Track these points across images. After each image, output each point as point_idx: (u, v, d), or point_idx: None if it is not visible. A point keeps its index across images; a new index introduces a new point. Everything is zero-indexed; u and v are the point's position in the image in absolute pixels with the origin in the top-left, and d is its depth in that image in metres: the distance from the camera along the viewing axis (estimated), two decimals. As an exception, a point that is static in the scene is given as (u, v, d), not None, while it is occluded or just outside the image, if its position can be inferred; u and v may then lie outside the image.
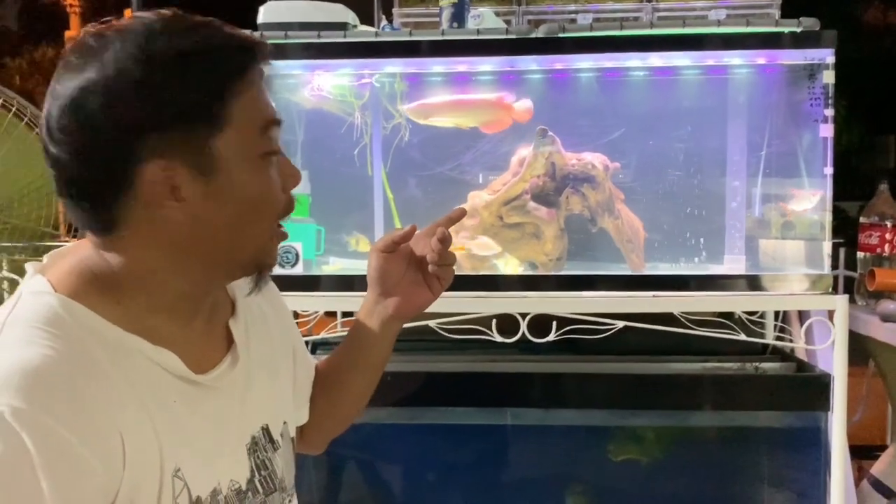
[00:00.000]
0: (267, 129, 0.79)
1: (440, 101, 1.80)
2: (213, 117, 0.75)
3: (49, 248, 1.92)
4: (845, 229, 2.02)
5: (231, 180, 0.77)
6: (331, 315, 1.88)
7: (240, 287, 0.92)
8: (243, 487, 0.85)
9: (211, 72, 0.75)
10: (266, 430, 0.91)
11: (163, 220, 0.76)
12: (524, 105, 1.79)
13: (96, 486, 0.70)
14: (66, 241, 1.93)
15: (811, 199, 1.70)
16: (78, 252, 0.81)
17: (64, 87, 0.74)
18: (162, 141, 0.74)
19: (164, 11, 0.77)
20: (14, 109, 1.79)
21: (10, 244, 1.83)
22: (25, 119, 1.81)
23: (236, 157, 0.77)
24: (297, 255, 1.74)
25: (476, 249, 1.77)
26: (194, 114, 0.74)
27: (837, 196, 1.69)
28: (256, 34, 1.69)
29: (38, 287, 0.77)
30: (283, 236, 0.85)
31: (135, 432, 0.74)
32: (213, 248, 0.80)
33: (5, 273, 1.85)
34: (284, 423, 0.95)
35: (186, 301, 0.83)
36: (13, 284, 1.87)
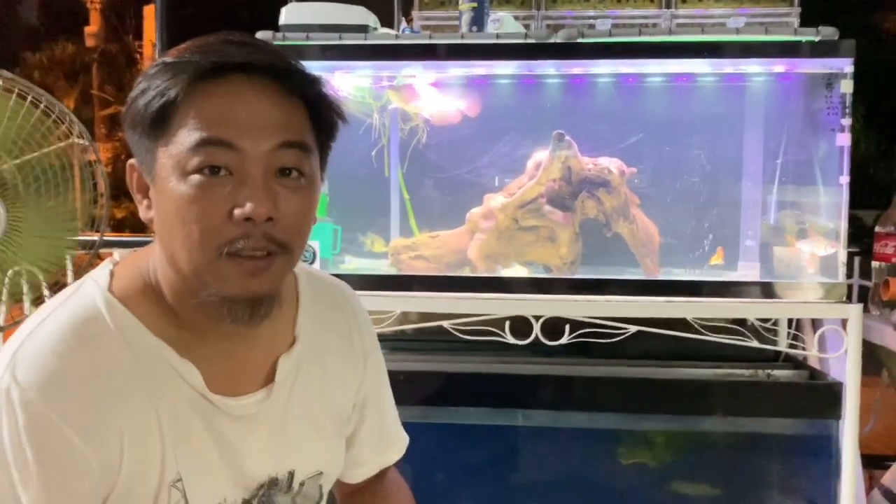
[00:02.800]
0: (201, 146, 0.75)
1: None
2: (158, 124, 0.77)
3: (72, 244, 1.95)
4: (861, 238, 2.02)
5: (162, 190, 0.78)
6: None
7: (312, 326, 0.92)
8: None
9: (166, 81, 0.76)
10: (290, 475, 0.91)
11: (149, 219, 0.81)
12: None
13: (91, 479, 0.76)
14: (88, 236, 1.96)
15: (827, 248, 1.70)
16: (147, 252, 0.85)
17: None
18: (135, 140, 0.79)
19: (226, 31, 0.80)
20: (42, 106, 1.82)
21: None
22: (53, 116, 1.84)
23: (169, 168, 0.76)
24: (314, 253, 1.76)
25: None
26: (145, 119, 0.77)
27: (853, 204, 1.69)
28: (278, 35, 1.73)
29: (99, 278, 0.83)
30: (236, 270, 0.77)
31: (137, 436, 0.78)
32: (168, 256, 0.80)
33: (26, 266, 1.88)
34: (320, 472, 0.94)
35: (200, 313, 0.81)
36: (31, 275, 1.89)
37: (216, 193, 0.75)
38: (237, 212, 0.75)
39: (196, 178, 0.75)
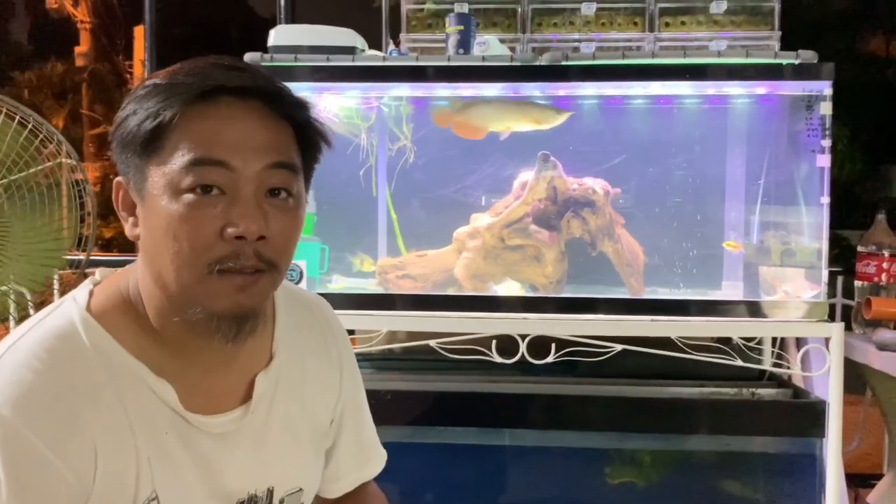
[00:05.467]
0: (195, 165, 0.76)
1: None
2: (151, 144, 0.78)
3: (59, 263, 1.95)
4: (846, 258, 2.04)
5: (153, 207, 0.79)
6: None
7: (289, 344, 0.93)
8: None
9: (156, 103, 0.78)
10: (269, 493, 0.91)
11: (135, 236, 0.82)
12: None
13: (65, 492, 0.76)
14: (75, 255, 1.96)
15: (809, 291, 1.73)
16: (127, 271, 0.86)
17: None
18: (124, 159, 0.81)
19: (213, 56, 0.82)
20: (30, 125, 1.83)
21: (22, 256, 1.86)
22: (41, 136, 1.85)
23: (161, 187, 0.77)
24: (301, 272, 1.77)
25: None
26: (133, 139, 0.78)
27: (839, 224, 1.71)
28: (267, 56, 1.74)
29: (78, 299, 0.84)
30: (226, 287, 0.78)
31: (111, 453, 0.78)
32: (155, 274, 0.80)
33: (13, 286, 1.88)
34: (300, 489, 0.95)
35: (184, 331, 0.82)
36: (20, 297, 1.89)
37: (208, 212, 0.77)
38: (230, 230, 0.77)
39: (189, 196, 0.77)
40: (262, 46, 1.79)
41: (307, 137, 0.85)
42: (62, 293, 1.94)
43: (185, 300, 0.79)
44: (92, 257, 1.98)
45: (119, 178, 0.82)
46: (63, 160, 1.90)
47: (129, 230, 0.82)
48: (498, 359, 1.69)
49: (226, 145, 0.77)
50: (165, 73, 0.80)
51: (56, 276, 1.96)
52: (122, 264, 0.89)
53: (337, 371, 1.00)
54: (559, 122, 1.78)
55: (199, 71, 0.79)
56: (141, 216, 0.81)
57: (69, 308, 0.82)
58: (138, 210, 0.81)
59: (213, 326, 0.79)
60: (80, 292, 0.84)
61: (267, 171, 0.79)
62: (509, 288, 1.84)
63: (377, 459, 1.07)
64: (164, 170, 0.77)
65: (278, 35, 1.81)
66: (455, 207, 1.88)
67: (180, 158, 0.76)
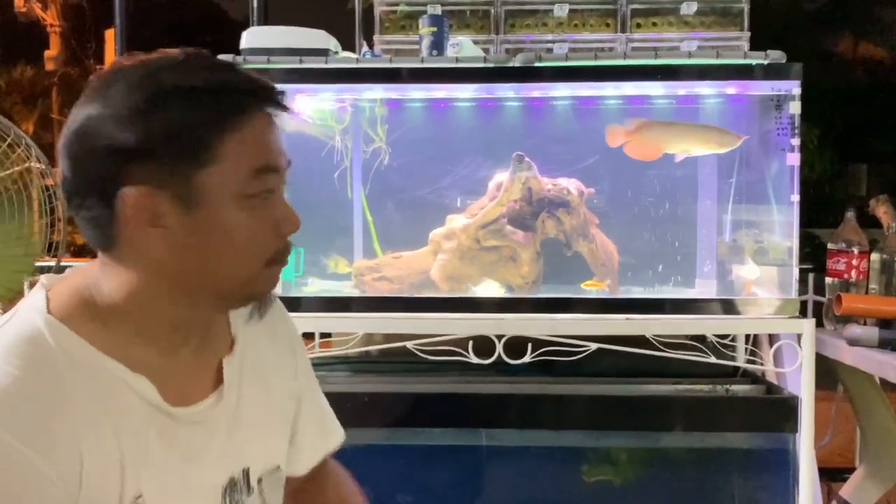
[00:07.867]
0: (261, 172, 0.81)
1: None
2: (202, 152, 0.78)
3: (29, 269, 1.92)
4: (817, 255, 2.07)
5: (213, 215, 0.79)
6: (308, 336, 1.89)
7: (243, 326, 0.94)
8: None
9: (206, 109, 0.78)
10: (245, 473, 0.91)
11: (145, 244, 0.80)
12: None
13: (54, 497, 0.74)
14: (46, 262, 1.93)
15: (781, 287, 1.75)
16: (84, 272, 0.85)
17: (79, 110, 0.79)
18: (148, 168, 0.77)
19: (189, 49, 0.82)
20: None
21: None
22: (9, 140, 1.82)
23: (222, 194, 0.79)
24: (276, 276, 1.75)
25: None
26: (182, 146, 0.77)
27: (811, 223, 1.74)
28: (239, 59, 1.73)
29: (35, 304, 0.81)
30: (274, 274, 0.86)
31: (96, 455, 0.77)
32: (196, 278, 0.82)
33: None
34: (278, 467, 0.96)
35: (173, 330, 0.84)
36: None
37: (267, 213, 0.83)
38: (288, 227, 0.84)
39: (255, 201, 0.81)
40: (234, 49, 1.78)
41: None
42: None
43: (228, 295, 0.85)
44: (62, 263, 1.95)
45: (135, 189, 0.77)
46: (32, 165, 1.87)
47: (155, 243, 0.79)
48: (475, 359, 1.69)
49: (276, 151, 0.84)
50: (183, 76, 0.79)
51: (26, 283, 1.94)
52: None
53: (288, 344, 1.02)
54: (735, 147, 1.78)
55: (235, 74, 0.82)
56: (184, 224, 0.79)
57: (28, 315, 0.80)
58: (174, 219, 0.79)
59: (257, 307, 0.88)
60: (36, 298, 0.82)
61: (287, 170, 0.87)
62: (487, 288, 1.84)
63: (338, 431, 1.09)
64: (228, 176, 0.79)
65: (251, 37, 1.80)
66: (430, 209, 1.88)
67: (246, 165, 0.80)
